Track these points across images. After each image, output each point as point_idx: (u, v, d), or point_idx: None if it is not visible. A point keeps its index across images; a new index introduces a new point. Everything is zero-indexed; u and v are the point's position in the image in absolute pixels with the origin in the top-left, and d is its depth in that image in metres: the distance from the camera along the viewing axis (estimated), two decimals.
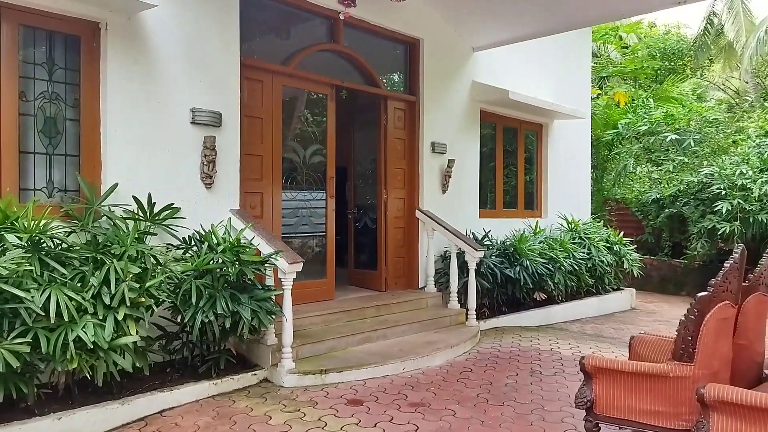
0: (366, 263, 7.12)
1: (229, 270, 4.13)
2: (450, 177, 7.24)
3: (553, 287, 7.49)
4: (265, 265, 4.47)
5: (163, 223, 4.55)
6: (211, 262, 4.25)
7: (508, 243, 7.38)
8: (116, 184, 4.34)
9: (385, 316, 6.01)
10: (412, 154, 7.05)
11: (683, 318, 3.03)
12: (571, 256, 7.99)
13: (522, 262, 7.09)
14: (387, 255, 6.84)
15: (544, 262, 7.35)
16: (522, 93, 7.82)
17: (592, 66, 14.62)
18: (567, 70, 9.62)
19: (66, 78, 4.30)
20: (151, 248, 4.15)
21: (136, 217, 4.35)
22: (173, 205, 4.65)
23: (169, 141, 4.69)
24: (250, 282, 4.48)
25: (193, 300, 4.01)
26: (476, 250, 6.32)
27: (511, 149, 8.88)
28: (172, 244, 4.54)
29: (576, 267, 7.97)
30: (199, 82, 4.87)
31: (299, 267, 4.57)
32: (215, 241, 4.36)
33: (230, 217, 4.99)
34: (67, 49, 4.31)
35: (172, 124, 4.71)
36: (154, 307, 3.73)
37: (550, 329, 7.33)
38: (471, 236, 7.21)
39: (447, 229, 6.59)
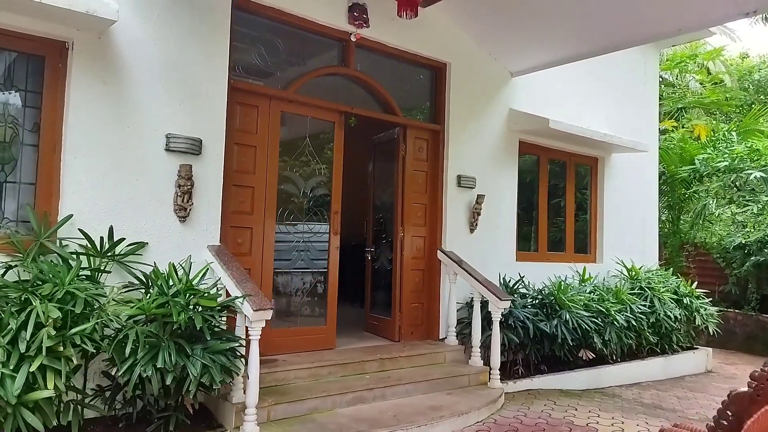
0: (382, 308, 6.41)
1: (175, 317, 3.58)
2: (479, 214, 6.45)
3: (601, 345, 6.42)
4: (223, 312, 3.90)
5: (124, 259, 4.11)
6: (165, 305, 3.72)
7: (546, 292, 6.43)
8: (70, 215, 3.95)
9: (389, 372, 5.25)
10: (435, 188, 6.34)
11: (712, 423, 2.13)
12: (628, 309, 6.89)
13: (561, 315, 6.12)
14: (402, 300, 6.10)
15: (590, 316, 6.33)
16: (568, 123, 6.94)
17: (668, 96, 13.37)
18: (629, 98, 8.63)
19: (26, 101, 4.02)
20: (97, 288, 3.71)
21: (87, 252, 3.92)
22: (138, 241, 4.22)
23: (138, 169, 4.29)
24: (216, 330, 3.92)
25: (127, 351, 3.48)
26: (500, 299, 5.46)
27: (558, 185, 7.95)
28: (133, 283, 4.07)
29: (634, 322, 6.85)
30: (178, 105, 4.48)
31: (267, 315, 3.96)
32: (170, 282, 3.84)
33: (207, 256, 4.49)
34: (28, 70, 4.04)
35: (144, 150, 4.31)
36: (73, 359, 3.22)
37: (597, 395, 6.25)
38: (502, 282, 6.33)
39: (469, 273, 5.78)
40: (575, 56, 6.48)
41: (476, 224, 6.46)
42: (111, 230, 4.11)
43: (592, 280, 7.30)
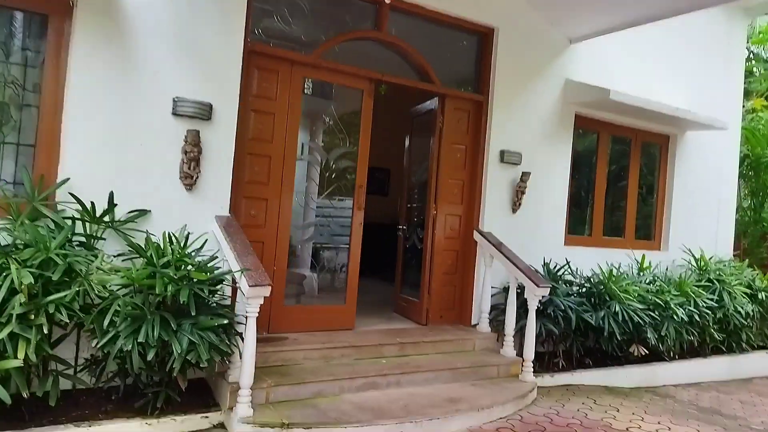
0: (412, 290, 6.03)
1: (158, 288, 3.38)
2: (524, 193, 5.89)
3: (656, 340, 5.75)
4: (217, 286, 3.67)
5: (123, 227, 3.97)
6: (154, 277, 3.54)
7: (595, 280, 5.82)
8: (66, 179, 3.82)
9: (409, 358, 4.90)
10: (475, 163, 5.84)
11: None
12: (692, 302, 6.15)
13: (610, 306, 5.51)
14: (431, 282, 5.69)
15: (645, 308, 5.68)
16: (635, 95, 6.18)
17: (760, 74, 11.94)
18: (710, 73, 7.66)
19: (27, 60, 3.92)
20: (87, 256, 3.58)
21: (83, 218, 3.80)
22: (141, 208, 4.07)
23: (144, 133, 4.11)
24: (210, 305, 3.73)
25: (106, 322, 3.33)
26: (538, 286, 4.95)
27: (621, 164, 7.19)
28: (131, 251, 3.92)
29: (698, 317, 6.11)
30: (188, 68, 4.25)
31: (265, 291, 3.69)
32: (161, 252, 3.65)
33: (214, 227, 4.29)
34: (31, 29, 3.93)
35: (150, 114, 4.13)
36: (44, 327, 3.09)
37: (647, 394, 5.64)
38: (545, 267, 5.78)
39: (505, 256, 5.29)
40: (643, 18, 5.71)
41: (520, 204, 5.91)
42: (111, 196, 3.97)
43: (651, 269, 6.58)
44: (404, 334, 5.21)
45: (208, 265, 3.81)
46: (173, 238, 3.82)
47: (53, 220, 3.67)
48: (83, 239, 3.77)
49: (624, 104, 6.03)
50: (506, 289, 5.45)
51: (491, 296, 5.57)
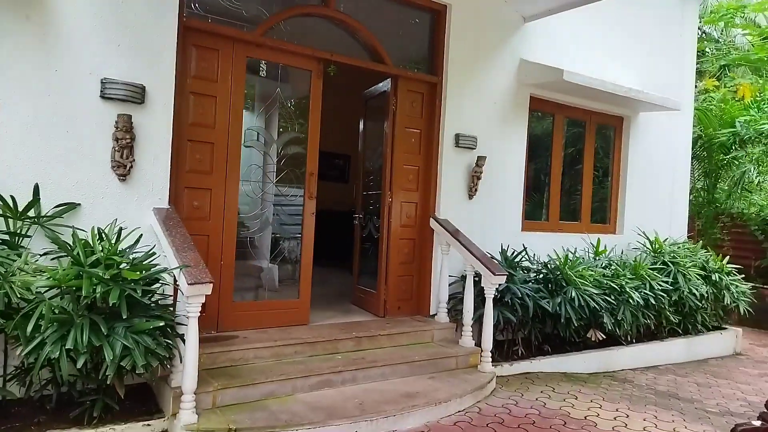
0: (369, 280, 5.84)
1: (85, 290, 3.07)
2: (479, 179, 5.75)
3: (612, 325, 5.75)
4: (153, 285, 3.38)
5: (50, 223, 3.62)
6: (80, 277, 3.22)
7: (552, 266, 5.75)
8: None
9: (365, 352, 4.71)
10: (430, 148, 5.65)
11: None
12: (647, 285, 6.17)
13: (567, 292, 5.45)
14: (388, 272, 5.51)
15: (602, 293, 5.65)
16: (588, 76, 6.10)
17: (712, 54, 12.17)
18: (663, 53, 7.67)
19: None
20: (9, 255, 3.23)
21: (4, 214, 3.43)
22: (68, 201, 3.72)
23: (69, 119, 3.74)
24: (146, 305, 3.43)
25: (29, 328, 3.01)
26: (494, 274, 4.83)
27: (576, 147, 7.15)
28: (59, 250, 3.58)
29: (653, 300, 6.14)
30: (117, 46, 3.89)
31: (205, 290, 3.42)
32: (89, 250, 3.33)
33: (152, 220, 3.97)
34: None
35: (76, 98, 3.76)
36: None
37: (606, 380, 5.63)
38: (502, 254, 5.68)
39: (461, 243, 5.15)
40: None
41: (476, 189, 5.77)
42: (36, 188, 3.62)
43: (606, 253, 6.57)
44: (360, 328, 5.02)
45: (144, 262, 3.51)
46: (103, 234, 3.50)
47: None
48: (7, 237, 3.41)
49: (577, 85, 5.94)
50: (464, 278, 5.31)
51: (449, 285, 5.43)
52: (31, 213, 3.57)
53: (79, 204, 3.79)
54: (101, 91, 3.82)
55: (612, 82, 6.34)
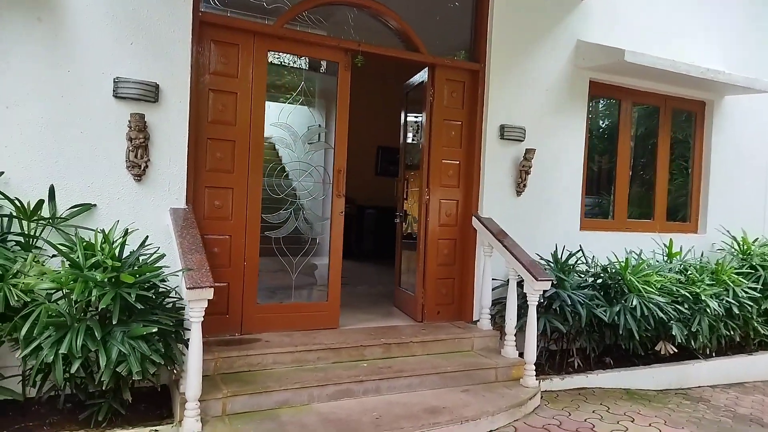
0: (409, 283, 5.52)
1: (76, 294, 3.00)
2: (528, 173, 5.25)
3: (685, 337, 5.07)
4: (151, 290, 3.27)
5: (65, 224, 3.62)
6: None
7: (613, 270, 5.15)
8: (1, 172, 3.50)
9: (394, 360, 4.41)
10: (472, 141, 5.23)
11: None
12: (731, 292, 5.41)
13: (628, 300, 4.85)
14: (426, 275, 5.16)
15: (673, 300, 5.00)
16: (656, 56, 5.41)
17: None
18: (749, 28, 6.71)
19: None
20: (16, 257, 3.25)
21: (18, 216, 3.46)
22: (84, 202, 3.72)
23: (83, 119, 3.73)
24: (149, 308, 3.34)
25: (23, 332, 2.98)
26: (536, 279, 4.36)
27: (648, 136, 6.42)
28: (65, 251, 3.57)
29: (737, 309, 5.37)
30: (129, 45, 3.83)
31: (206, 294, 3.26)
32: (89, 252, 3.27)
33: (168, 220, 3.90)
34: None
35: (89, 98, 3.74)
36: None
37: (676, 398, 5.00)
38: (553, 256, 5.15)
39: (503, 244, 4.71)
40: None
41: (524, 185, 5.28)
42: (52, 190, 3.63)
43: (681, 255, 5.83)
44: (393, 333, 4.71)
45: (154, 264, 3.43)
46: (106, 236, 3.43)
47: None
48: (20, 238, 3.44)
49: (644, 67, 5.27)
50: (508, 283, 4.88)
51: (493, 289, 5.01)
52: (46, 214, 3.59)
53: (95, 205, 3.77)
54: (114, 91, 3.78)
55: (686, 63, 5.59)
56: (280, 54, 5.02)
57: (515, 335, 4.68)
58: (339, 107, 4.71)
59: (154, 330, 3.14)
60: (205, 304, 3.31)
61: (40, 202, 3.50)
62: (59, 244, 3.39)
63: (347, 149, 4.76)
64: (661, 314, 4.81)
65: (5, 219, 3.47)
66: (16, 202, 3.45)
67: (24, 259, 3.28)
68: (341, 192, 4.74)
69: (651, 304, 4.81)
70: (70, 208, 3.68)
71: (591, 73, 5.61)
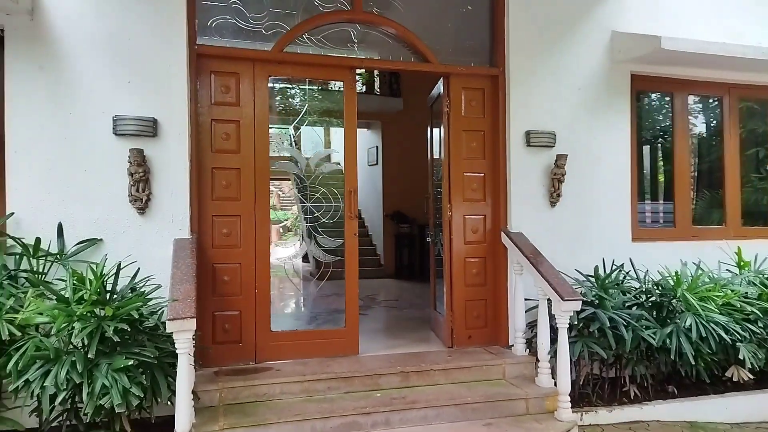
0: (440, 304, 5.21)
1: (56, 329, 3.06)
2: (561, 181, 4.80)
3: (755, 361, 4.33)
4: (124, 323, 3.26)
5: (72, 259, 3.75)
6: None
7: (667, 286, 4.54)
8: (11, 214, 3.71)
9: (411, 389, 4.13)
10: (496, 151, 4.87)
11: None
12: None
13: (682, 319, 4.23)
14: (453, 297, 4.83)
15: (742, 319, 4.32)
16: (700, 39, 4.78)
17: None
18: None
19: None
20: (18, 293, 3.41)
21: (26, 253, 3.63)
22: (90, 237, 3.85)
23: (86, 158, 3.87)
24: (145, 339, 3.37)
25: (10, 365, 3.08)
26: (563, 299, 3.91)
27: (711, 130, 5.69)
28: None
29: None
30: (127, 83, 3.95)
31: (187, 325, 3.20)
32: (78, 287, 3.34)
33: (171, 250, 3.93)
34: None
35: (91, 137, 3.88)
36: None
37: None
38: (596, 271, 4.63)
39: (530, 261, 4.30)
40: None
41: (558, 194, 4.82)
42: (60, 228, 3.79)
43: (755, 264, 5.03)
44: (415, 360, 4.43)
45: (150, 295, 3.48)
46: (94, 271, 3.48)
47: None
48: (28, 275, 3.61)
49: (689, 53, 4.67)
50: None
51: (528, 310, 4.58)
52: (54, 250, 3.75)
53: (101, 239, 3.89)
54: (113, 128, 3.90)
55: (742, 44, 4.89)
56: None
57: (550, 361, 4.22)
58: (347, 127, 4.57)
59: (130, 363, 3.12)
60: (190, 335, 3.26)
61: (38, 241, 3.66)
62: (59, 279, 3.51)
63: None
64: (723, 335, 4.13)
65: (16, 257, 3.67)
66: (21, 241, 3.63)
67: (24, 294, 3.42)
68: (354, 214, 4.58)
69: (711, 324, 4.16)
70: (77, 244, 3.82)
71: (632, 65, 5.07)
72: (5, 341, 3.19)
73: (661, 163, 5.60)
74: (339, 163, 4.69)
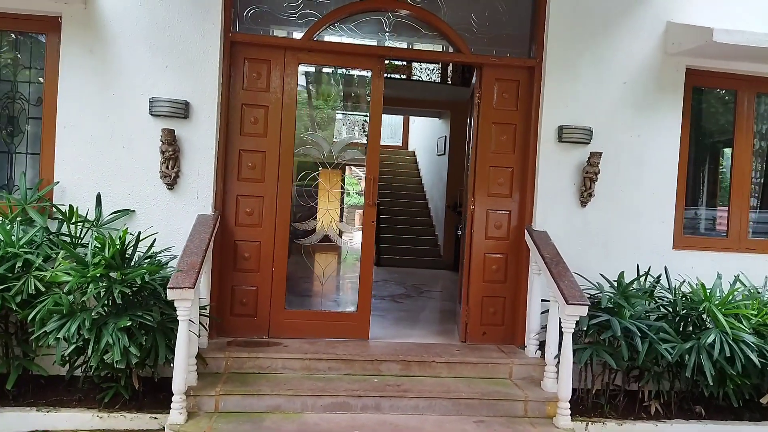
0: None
1: (71, 285, 3.44)
2: (594, 181, 4.55)
3: None
4: (130, 288, 3.58)
5: (105, 227, 4.15)
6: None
7: (696, 298, 4.20)
8: (56, 183, 4.18)
9: (408, 379, 4.17)
10: (526, 146, 4.72)
11: None
12: None
13: (705, 335, 3.91)
14: (469, 292, 4.77)
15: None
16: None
17: None
18: None
19: (31, 77, 4.37)
20: (52, 253, 3.85)
21: (64, 219, 4.08)
22: (124, 208, 4.24)
23: (124, 136, 4.25)
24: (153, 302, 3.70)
25: (29, 317, 3.51)
26: (567, 302, 3.76)
27: None
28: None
29: None
30: (164, 67, 4.27)
31: (185, 294, 3.47)
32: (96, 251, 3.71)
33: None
34: (32, 49, 4.38)
35: (129, 117, 4.25)
36: None
37: None
38: (620, 278, 4.37)
39: (544, 260, 4.16)
40: None
41: (590, 194, 4.59)
42: (98, 197, 4.21)
43: None
44: (419, 351, 4.45)
45: (167, 264, 3.84)
46: (113, 239, 3.82)
47: (35, 220, 4.02)
48: (68, 239, 4.06)
49: (741, 47, 4.22)
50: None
51: (542, 313, 4.43)
52: (91, 217, 4.17)
53: (133, 210, 4.27)
54: (150, 109, 4.25)
55: None
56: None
57: (556, 366, 4.08)
58: (372, 115, 4.63)
59: (128, 324, 3.44)
60: (189, 304, 3.52)
61: (71, 208, 4.07)
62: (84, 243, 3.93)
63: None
64: (752, 356, 3.77)
65: (58, 222, 4.13)
66: (61, 208, 4.07)
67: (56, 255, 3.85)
68: (372, 201, 4.65)
69: (740, 343, 3.81)
70: (112, 213, 4.22)
71: (687, 59, 4.67)
72: (33, 295, 3.62)
73: (720, 167, 5.12)
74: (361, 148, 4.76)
